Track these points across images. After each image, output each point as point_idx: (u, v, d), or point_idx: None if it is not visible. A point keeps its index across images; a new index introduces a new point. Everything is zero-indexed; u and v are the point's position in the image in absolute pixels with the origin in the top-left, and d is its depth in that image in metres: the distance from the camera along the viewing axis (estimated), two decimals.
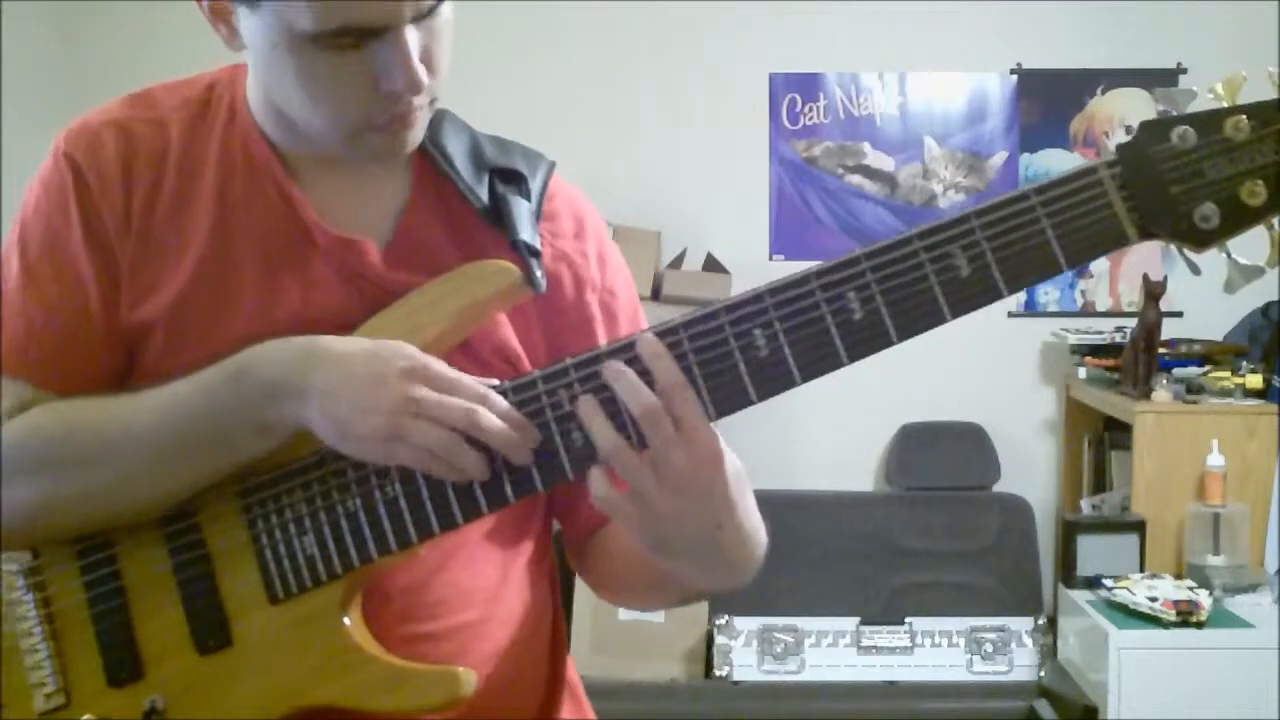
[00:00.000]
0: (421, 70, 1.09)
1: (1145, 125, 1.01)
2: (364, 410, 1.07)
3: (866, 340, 1.03)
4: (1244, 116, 0.99)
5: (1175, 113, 1.01)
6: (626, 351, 1.05)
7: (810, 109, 4.08)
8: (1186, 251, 1.02)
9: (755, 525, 1.10)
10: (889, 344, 1.03)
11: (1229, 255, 1.02)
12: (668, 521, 1.03)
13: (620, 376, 1.03)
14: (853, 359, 1.04)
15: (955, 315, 1.03)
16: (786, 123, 4.08)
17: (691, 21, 4.05)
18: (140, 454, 1.13)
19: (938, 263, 1.02)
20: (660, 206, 3.90)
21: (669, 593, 1.20)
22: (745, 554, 1.10)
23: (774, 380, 1.04)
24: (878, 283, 1.03)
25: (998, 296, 1.02)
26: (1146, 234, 1.01)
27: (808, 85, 4.08)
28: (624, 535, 1.20)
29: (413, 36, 1.08)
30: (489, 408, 1.07)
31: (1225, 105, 1.00)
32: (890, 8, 4.02)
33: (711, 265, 3.89)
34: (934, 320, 1.03)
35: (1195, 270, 1.04)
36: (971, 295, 1.02)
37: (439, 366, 1.09)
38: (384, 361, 1.08)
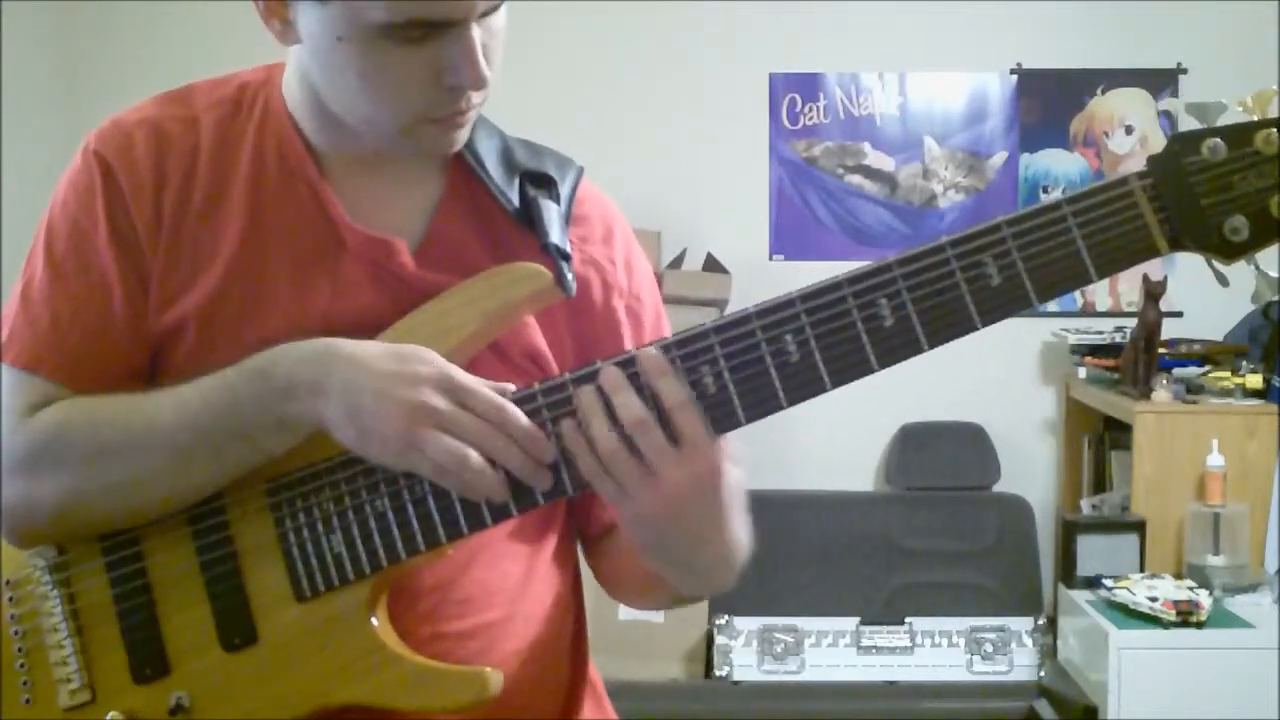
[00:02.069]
0: (485, 66, 1.10)
1: (1177, 137, 1.01)
2: (382, 413, 1.07)
3: (897, 347, 1.04)
4: (1274, 130, 1.00)
5: (1206, 125, 1.01)
6: (628, 366, 1.06)
7: (810, 109, 4.08)
8: (1215, 263, 1.03)
9: (739, 540, 1.11)
10: (919, 351, 1.04)
11: (1257, 267, 1.03)
12: (656, 524, 1.05)
13: (619, 389, 1.05)
14: (883, 365, 1.04)
15: (986, 324, 1.03)
16: (786, 123, 4.09)
17: (691, 21, 4.05)
18: (163, 448, 1.13)
19: (969, 271, 1.03)
20: (660, 206, 3.90)
21: (660, 594, 1.22)
22: (725, 568, 1.12)
23: (804, 386, 1.05)
24: (909, 290, 1.03)
25: (1027, 305, 1.03)
26: (1177, 245, 1.02)
27: (808, 85, 4.08)
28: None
29: (476, 32, 1.09)
30: (504, 423, 1.08)
31: (1255, 119, 1.01)
32: (890, 8, 4.02)
33: (711, 265, 3.89)
34: (965, 328, 1.04)
35: (1224, 282, 1.05)
36: (1002, 304, 1.03)
37: (459, 376, 1.09)
38: (405, 364, 1.09)
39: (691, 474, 1.03)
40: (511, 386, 1.11)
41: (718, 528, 1.07)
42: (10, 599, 1.21)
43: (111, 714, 1.17)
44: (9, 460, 1.17)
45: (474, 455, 1.07)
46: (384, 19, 1.06)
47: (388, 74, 1.10)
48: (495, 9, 1.10)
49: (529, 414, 1.09)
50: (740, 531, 1.10)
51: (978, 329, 1.03)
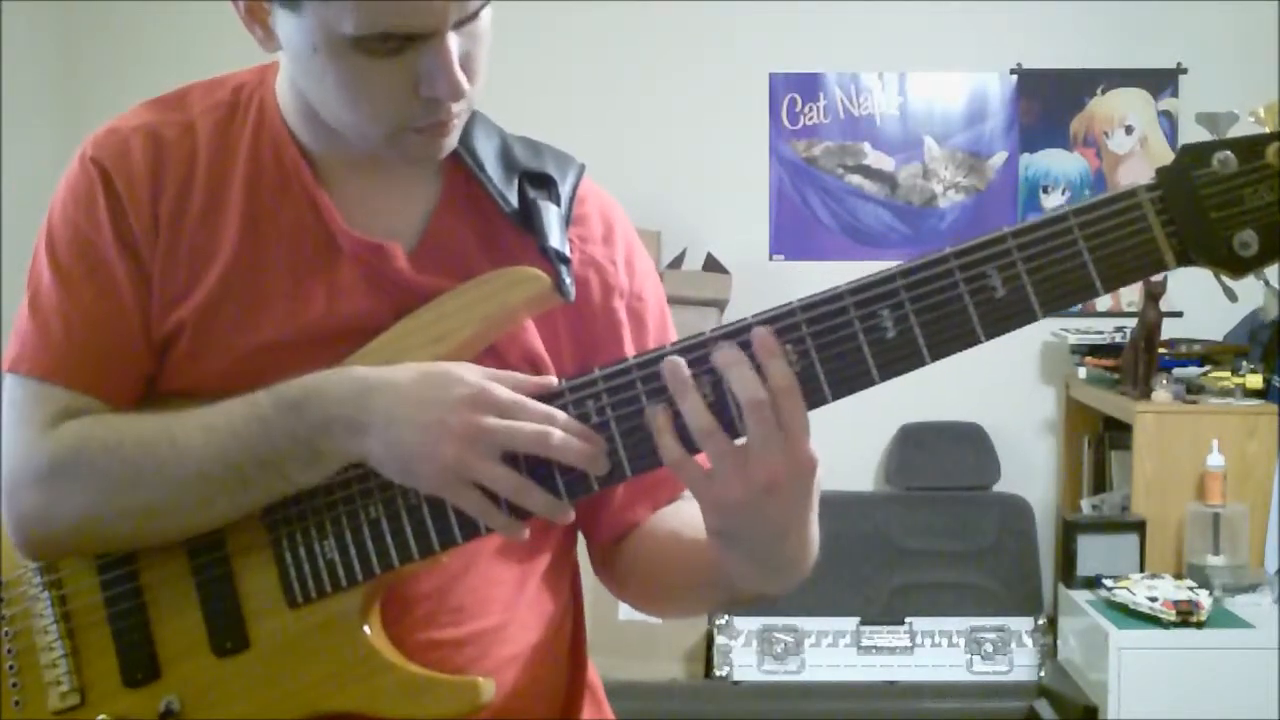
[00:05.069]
0: (462, 76, 1.08)
1: (1186, 149, 0.99)
2: (430, 444, 1.05)
3: (899, 359, 1.02)
4: None
5: (1216, 136, 1.00)
6: (745, 346, 1.02)
7: (810, 109, 4.08)
8: (1224, 278, 1.01)
9: (814, 537, 1.07)
10: (921, 364, 1.01)
11: (1267, 282, 1.02)
12: (742, 511, 1.01)
13: (736, 364, 1.00)
14: (884, 378, 1.02)
15: (990, 337, 1.01)
16: (786, 123, 4.08)
17: (691, 21, 4.05)
18: (189, 476, 1.12)
19: (973, 283, 1.01)
20: (660, 206, 3.90)
21: (713, 593, 1.17)
22: (800, 564, 1.07)
23: (804, 397, 1.01)
24: (912, 301, 1.01)
25: (1032, 319, 1.01)
26: (1185, 260, 1.00)
27: (808, 85, 4.08)
28: (666, 537, 1.21)
29: (453, 42, 1.07)
30: (555, 424, 1.06)
31: (1267, 130, 0.99)
32: (890, 8, 4.02)
33: (711, 265, 3.89)
34: (968, 341, 1.01)
35: (1232, 297, 1.03)
36: (1006, 317, 1.01)
37: (499, 390, 1.07)
38: (442, 389, 1.07)
39: (791, 460, 0.99)
40: (553, 380, 1.09)
41: (802, 520, 1.03)
42: (2, 600, 1.21)
43: (101, 717, 1.16)
44: (31, 472, 1.16)
45: (527, 482, 1.05)
46: (354, 31, 1.05)
47: (364, 85, 1.09)
48: (472, 17, 1.08)
49: (580, 403, 1.07)
50: (815, 527, 1.06)
51: (981, 342, 1.01)
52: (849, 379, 1.02)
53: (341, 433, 1.08)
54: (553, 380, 1.10)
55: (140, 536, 1.16)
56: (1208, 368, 3.54)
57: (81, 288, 1.17)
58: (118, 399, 1.18)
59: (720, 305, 3.76)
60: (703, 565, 1.12)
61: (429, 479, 1.07)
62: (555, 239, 1.17)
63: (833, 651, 3.65)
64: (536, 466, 1.07)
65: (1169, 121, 4.00)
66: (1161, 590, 3.05)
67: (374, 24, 1.04)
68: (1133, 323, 3.56)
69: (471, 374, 1.08)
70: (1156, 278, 3.37)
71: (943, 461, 3.94)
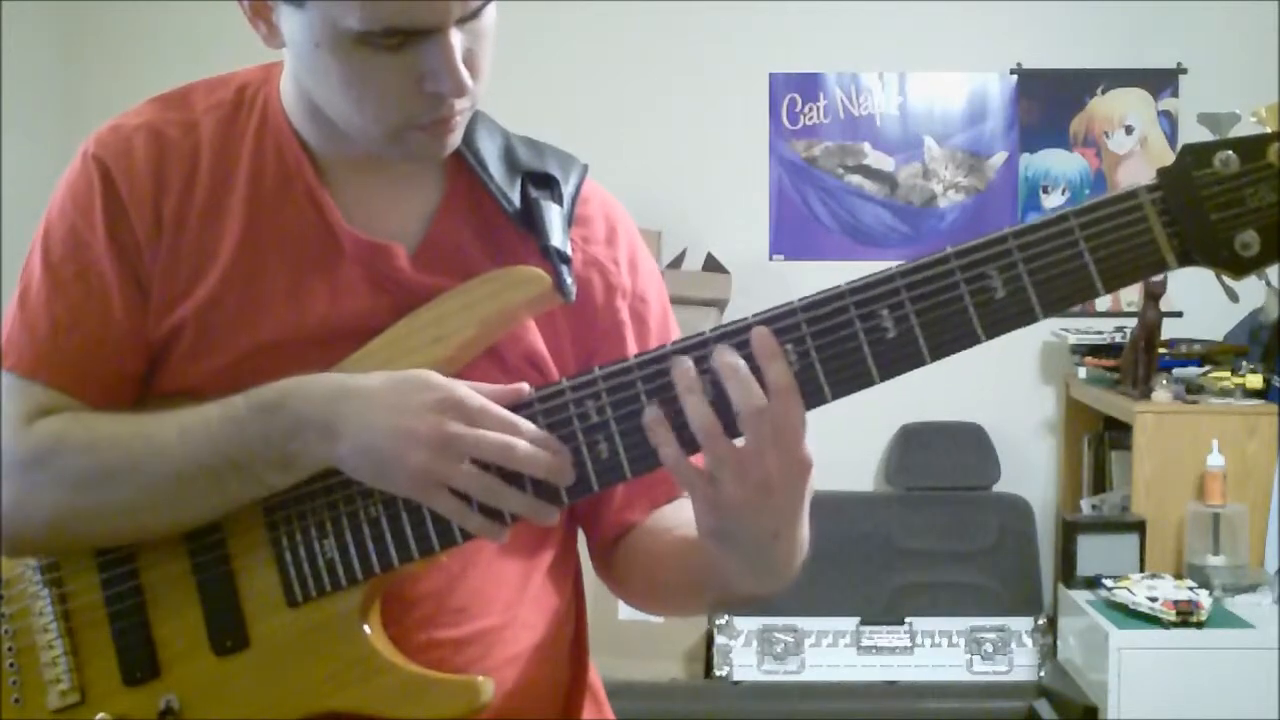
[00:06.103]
0: (466, 73, 1.08)
1: (1188, 149, 0.99)
2: (399, 449, 1.06)
3: (899, 359, 1.02)
4: None
5: (1218, 136, 0.99)
6: (743, 346, 1.02)
7: (810, 109, 4.08)
8: (1225, 278, 1.01)
9: (805, 538, 1.07)
10: (921, 364, 1.02)
11: (1268, 282, 1.02)
12: (736, 512, 1.01)
13: (735, 372, 1.00)
14: (885, 378, 1.02)
15: (990, 337, 1.01)
16: (786, 123, 4.08)
17: (691, 21, 4.05)
18: (164, 476, 1.12)
19: (973, 283, 1.01)
20: (660, 206, 3.89)
21: (708, 593, 1.17)
22: (791, 565, 1.08)
23: (805, 397, 1.01)
24: (912, 301, 1.01)
25: (1033, 320, 1.01)
26: (1186, 260, 1.00)
27: (808, 85, 4.08)
28: (663, 535, 1.21)
29: (457, 39, 1.08)
30: (520, 434, 1.06)
31: (1269, 130, 0.99)
32: (890, 8, 4.02)
33: (711, 265, 3.89)
34: (968, 341, 1.01)
35: (1233, 298, 1.03)
36: (1007, 318, 1.01)
37: (468, 397, 1.07)
38: (412, 395, 1.07)
39: (786, 462, 0.99)
40: (525, 387, 1.09)
41: (795, 522, 1.03)
42: (2, 599, 1.21)
43: (101, 715, 1.16)
44: (5, 466, 1.16)
45: (500, 483, 1.06)
46: (358, 26, 1.05)
47: (367, 81, 1.09)
48: (476, 14, 1.09)
49: (559, 409, 1.07)
50: (806, 528, 1.06)
51: (981, 342, 1.01)
52: (849, 379, 1.02)
53: (314, 438, 1.09)
54: (524, 388, 1.09)
55: (116, 534, 1.16)
56: (1208, 368, 3.54)
57: (70, 288, 1.17)
58: (98, 399, 1.18)
59: (720, 305, 3.76)
60: (698, 564, 1.12)
61: (400, 484, 1.08)
62: (557, 239, 1.17)
63: (833, 651, 3.65)
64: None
65: (1169, 121, 4.00)
66: (1161, 590, 3.05)
67: (378, 19, 1.05)
68: (1133, 323, 3.56)
69: (440, 380, 1.08)
70: (1157, 278, 3.38)
71: (943, 461, 3.94)
